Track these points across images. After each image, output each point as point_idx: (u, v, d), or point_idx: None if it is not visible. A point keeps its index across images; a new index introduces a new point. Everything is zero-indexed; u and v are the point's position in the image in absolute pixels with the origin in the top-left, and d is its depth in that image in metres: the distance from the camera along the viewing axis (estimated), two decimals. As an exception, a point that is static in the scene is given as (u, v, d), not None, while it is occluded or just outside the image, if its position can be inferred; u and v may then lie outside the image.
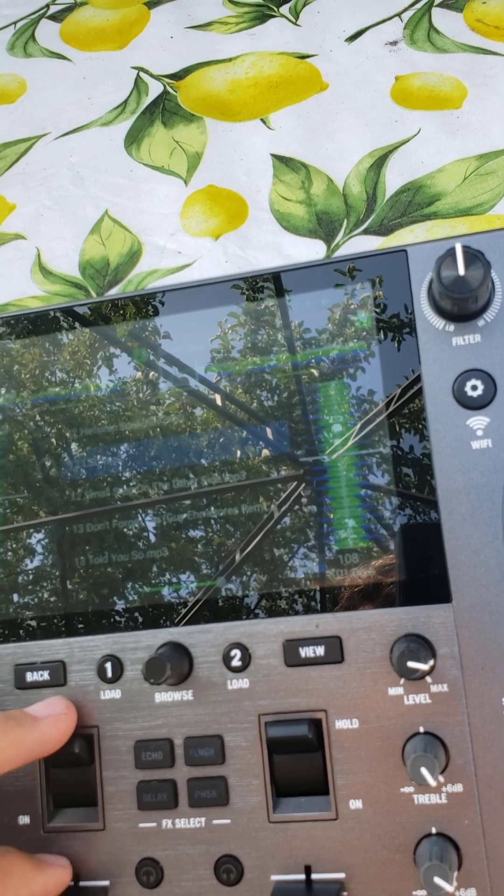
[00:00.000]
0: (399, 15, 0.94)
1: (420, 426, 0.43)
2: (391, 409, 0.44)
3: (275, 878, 0.41)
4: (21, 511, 0.48)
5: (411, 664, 0.40)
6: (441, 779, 0.40)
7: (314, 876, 0.41)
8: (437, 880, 0.37)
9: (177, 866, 0.43)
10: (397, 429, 0.44)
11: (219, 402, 0.47)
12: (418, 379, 0.43)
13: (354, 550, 0.43)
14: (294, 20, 0.97)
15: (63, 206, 0.84)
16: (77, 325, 0.50)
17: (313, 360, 0.46)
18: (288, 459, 0.45)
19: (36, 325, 0.50)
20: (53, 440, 0.48)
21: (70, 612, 0.46)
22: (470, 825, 0.40)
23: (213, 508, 0.46)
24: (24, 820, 0.45)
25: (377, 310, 0.45)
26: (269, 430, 0.46)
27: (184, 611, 0.45)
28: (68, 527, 0.47)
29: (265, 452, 0.46)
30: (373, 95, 0.86)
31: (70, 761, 0.44)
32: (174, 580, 0.45)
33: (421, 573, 0.42)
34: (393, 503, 0.43)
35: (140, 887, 0.43)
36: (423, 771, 0.38)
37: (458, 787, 0.40)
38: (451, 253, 0.41)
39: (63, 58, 1.00)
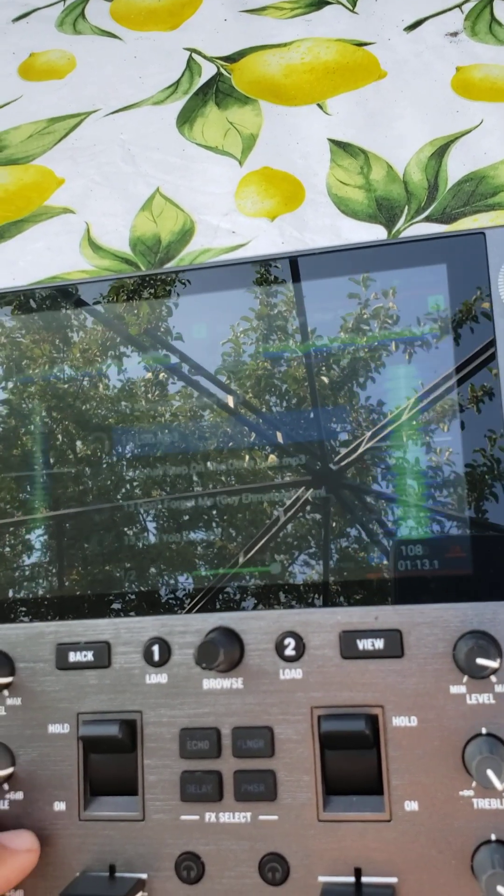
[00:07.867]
0: (459, 6, 0.92)
1: (494, 410, 0.41)
2: (461, 388, 0.42)
3: (323, 879, 0.40)
4: (73, 488, 0.46)
5: (481, 661, 0.38)
6: (504, 784, 0.38)
7: (364, 879, 0.39)
8: (502, 889, 0.35)
9: (219, 862, 0.41)
10: (470, 412, 0.42)
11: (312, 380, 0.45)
12: (493, 359, 0.41)
13: (418, 541, 0.41)
14: (351, 8, 0.95)
15: (113, 181, 0.82)
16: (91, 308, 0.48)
17: (389, 341, 0.44)
18: (347, 443, 0.43)
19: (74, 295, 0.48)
20: (69, 424, 0.47)
21: (117, 591, 0.44)
22: None
23: (272, 492, 0.44)
24: (60, 806, 0.43)
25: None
26: (329, 412, 0.44)
27: (235, 595, 0.43)
28: (120, 506, 0.45)
29: (318, 436, 0.44)
30: (433, 85, 0.84)
31: (111, 747, 0.42)
32: (226, 564, 0.43)
33: (489, 567, 0.40)
34: (460, 492, 0.41)
35: (179, 882, 0.41)
36: (490, 773, 0.36)
37: None
38: (537, 234, 0.40)
39: (113, 36, 0.99)
